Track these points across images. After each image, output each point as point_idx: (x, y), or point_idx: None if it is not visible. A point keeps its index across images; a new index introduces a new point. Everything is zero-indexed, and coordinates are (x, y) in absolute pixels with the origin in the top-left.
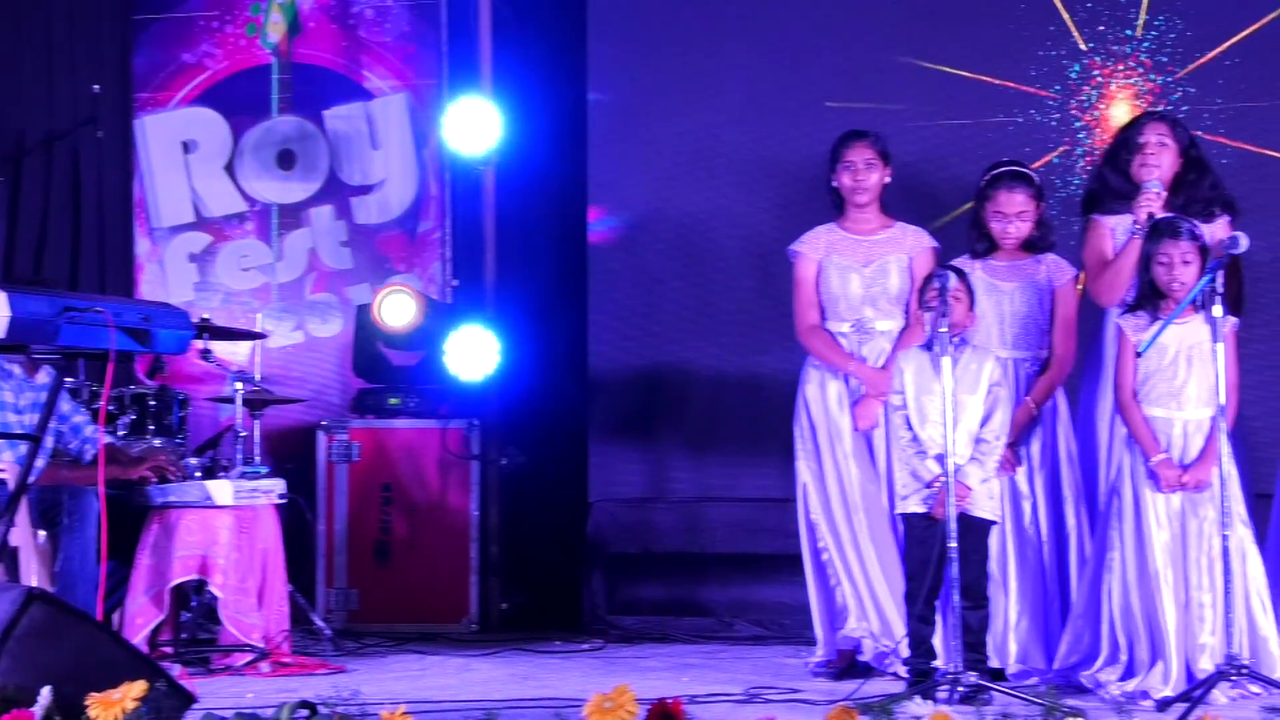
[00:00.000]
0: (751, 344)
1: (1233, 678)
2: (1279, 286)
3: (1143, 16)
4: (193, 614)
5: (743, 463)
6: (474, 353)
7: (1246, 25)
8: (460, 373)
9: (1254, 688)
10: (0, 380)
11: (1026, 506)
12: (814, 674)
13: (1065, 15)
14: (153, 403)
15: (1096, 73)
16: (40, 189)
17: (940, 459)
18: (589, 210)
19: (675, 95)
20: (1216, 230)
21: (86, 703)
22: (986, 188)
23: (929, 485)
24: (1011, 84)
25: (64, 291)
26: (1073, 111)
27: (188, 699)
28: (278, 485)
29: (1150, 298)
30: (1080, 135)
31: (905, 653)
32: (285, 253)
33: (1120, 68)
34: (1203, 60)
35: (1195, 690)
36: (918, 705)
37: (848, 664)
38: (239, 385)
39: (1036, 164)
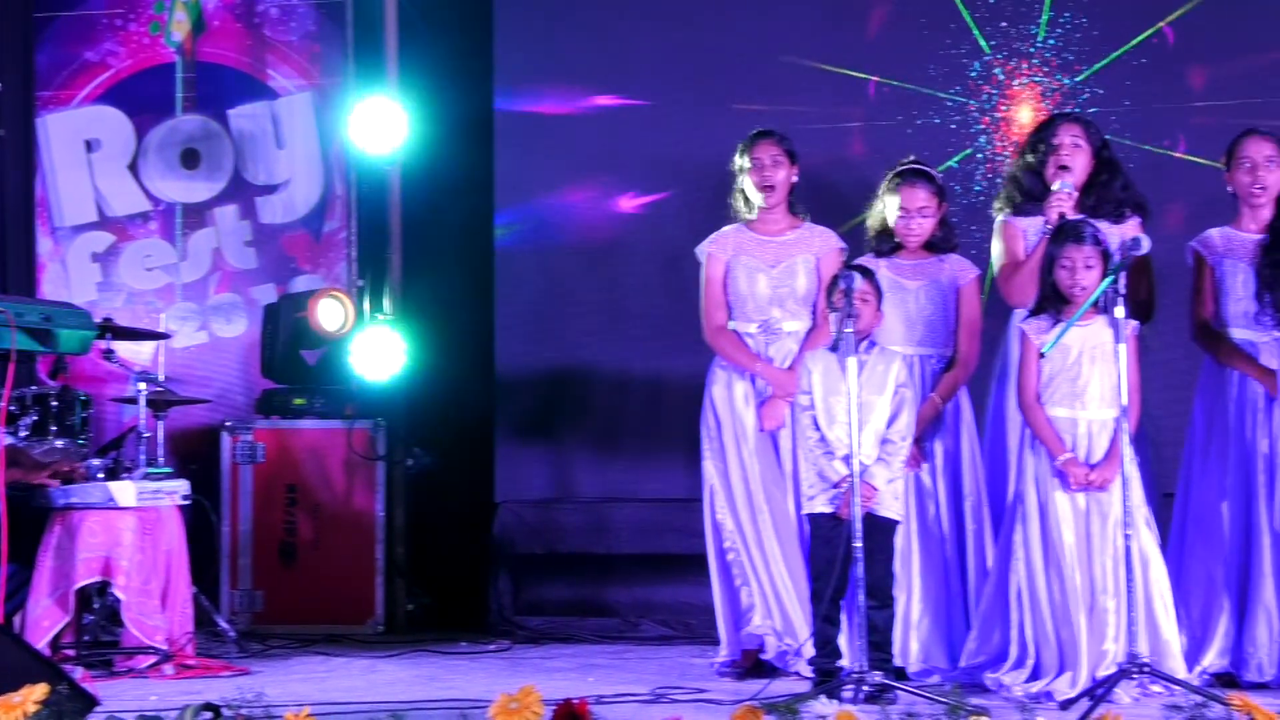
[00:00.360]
0: (658, 344)
1: (1135, 676)
2: (1180, 288)
3: (1046, 14)
4: (95, 616)
5: (649, 463)
6: (380, 353)
7: (1153, 23)
8: (366, 373)
9: (1156, 687)
10: None
11: (931, 505)
12: (719, 673)
13: (965, 13)
14: (55, 403)
15: (998, 70)
16: None
17: (847, 459)
18: (496, 210)
19: (582, 96)
20: (1127, 231)
21: None
22: (889, 183)
23: (836, 485)
24: (911, 85)
25: None
26: (973, 113)
27: (90, 702)
28: (181, 486)
29: (1053, 300)
30: (980, 140)
31: (810, 652)
32: (189, 252)
33: (1024, 66)
34: (1108, 60)
35: (1098, 688)
36: (823, 705)
37: (752, 663)
38: (142, 386)
39: (937, 168)
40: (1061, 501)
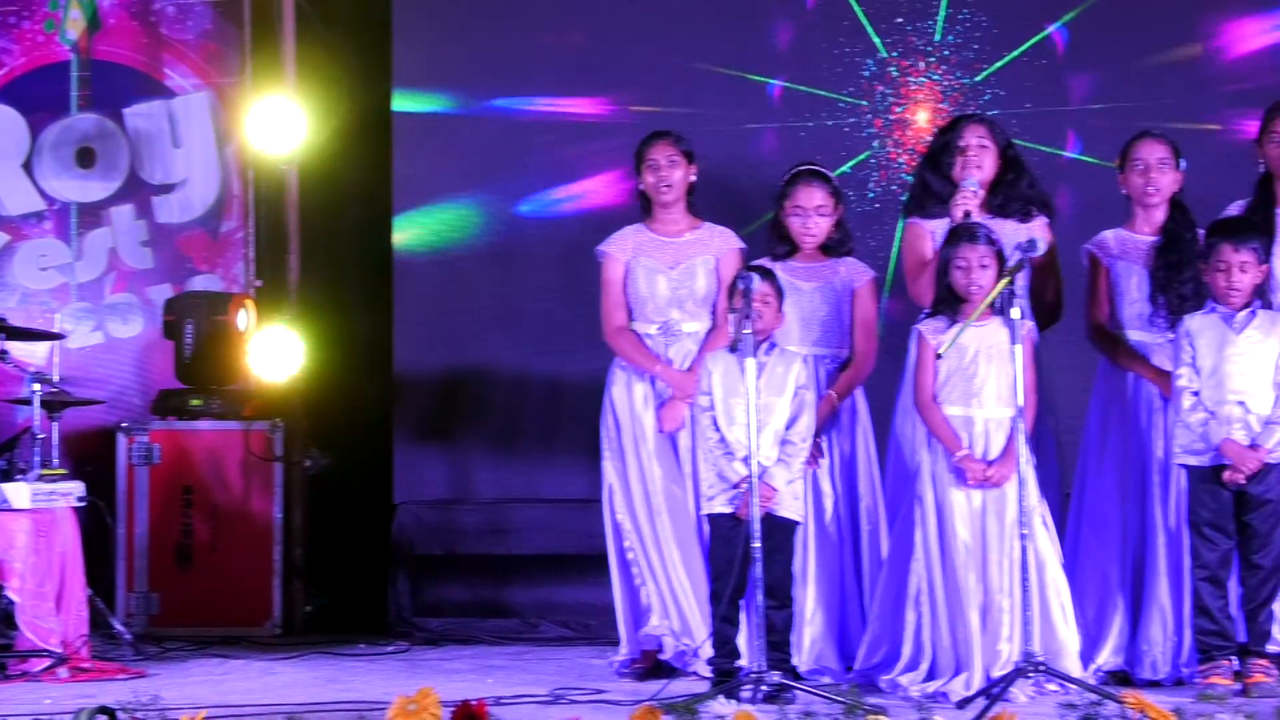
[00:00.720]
0: (557, 345)
1: (1030, 675)
2: (1075, 289)
3: (943, 11)
4: None
5: (548, 464)
6: (277, 354)
7: (1049, 23)
8: (264, 373)
9: (1051, 685)
10: None
11: (828, 504)
12: (619, 673)
13: (859, 12)
14: None
15: (893, 68)
16: None
17: (747, 460)
18: (394, 211)
19: (480, 95)
20: (1035, 230)
21: None
22: (785, 186)
23: (735, 486)
24: (807, 88)
25: None
26: (868, 115)
27: None
28: (76, 488)
29: (949, 301)
30: (875, 145)
31: (708, 653)
32: (84, 252)
33: (921, 64)
34: (1003, 61)
35: (994, 687)
36: (721, 705)
37: (652, 664)
38: (37, 386)
39: (834, 171)
40: (958, 501)
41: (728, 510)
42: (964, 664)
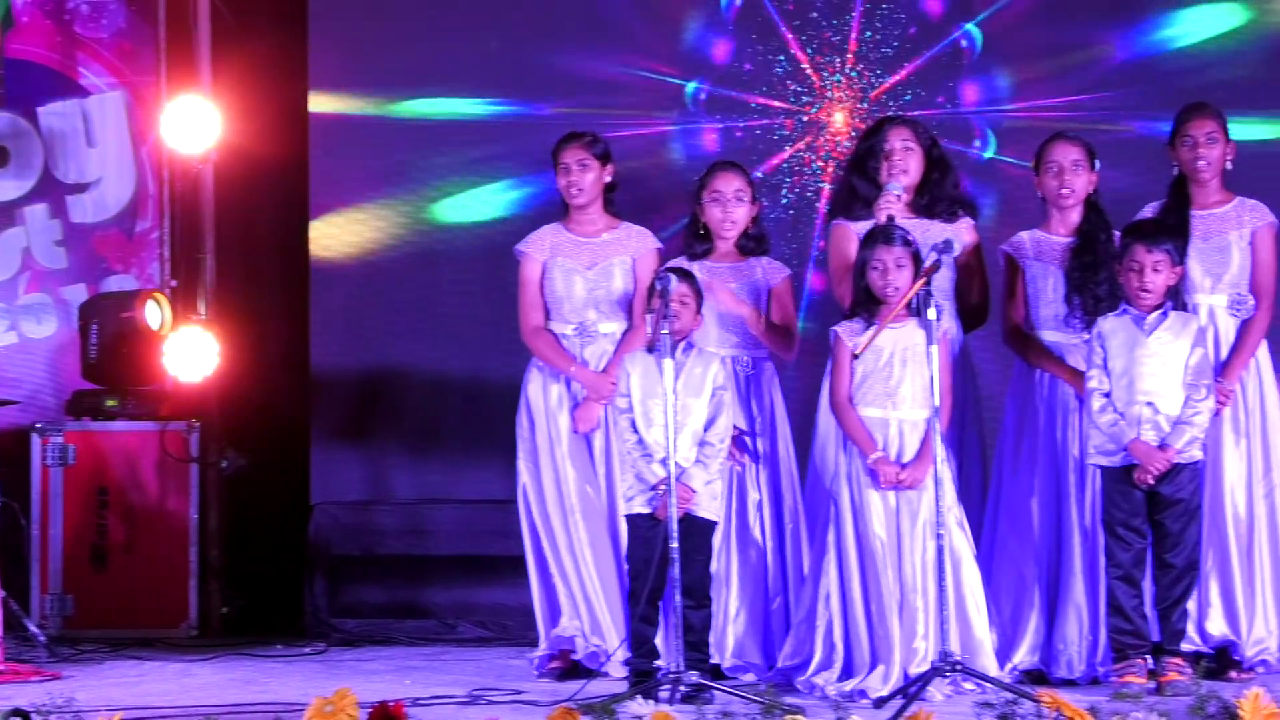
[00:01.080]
0: (477, 345)
1: (947, 674)
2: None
3: (858, 6)
4: None
5: (466, 464)
6: (193, 354)
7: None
8: (180, 374)
9: (968, 684)
10: None
11: (752, 504)
12: (538, 671)
13: (773, 12)
14: None
15: (805, 66)
16: None
17: (665, 461)
18: (311, 211)
19: (398, 96)
20: (959, 231)
21: None
22: (704, 178)
23: (654, 488)
24: (724, 90)
25: None
26: (780, 118)
27: None
28: None
29: (865, 303)
30: (788, 147)
31: (622, 654)
32: None
33: (836, 59)
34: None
35: (911, 686)
36: (639, 705)
37: (570, 664)
38: None
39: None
40: (874, 501)
41: (646, 511)
42: (880, 657)
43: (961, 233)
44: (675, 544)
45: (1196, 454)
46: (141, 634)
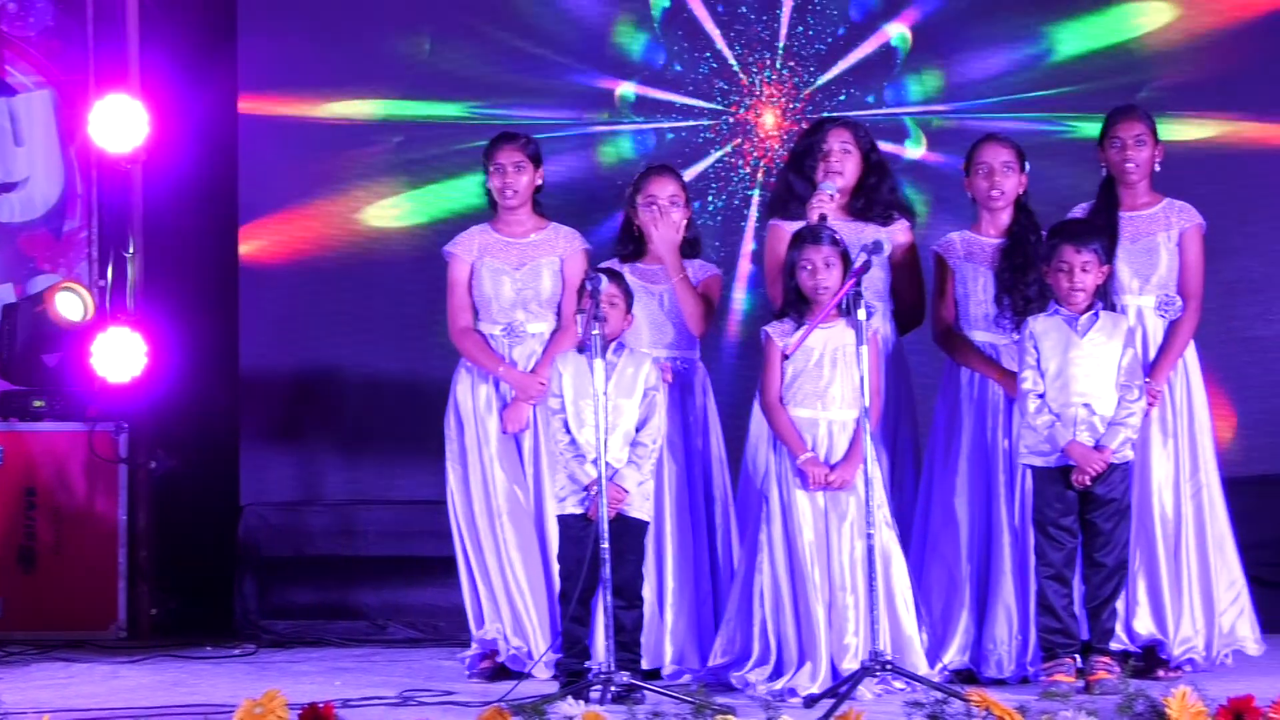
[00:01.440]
0: (408, 345)
1: (877, 673)
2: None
3: (788, 6)
4: None
5: (397, 465)
6: (121, 354)
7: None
8: (107, 374)
9: (898, 683)
10: None
11: (685, 503)
12: (469, 672)
13: (705, 10)
14: None
15: (734, 64)
16: None
17: (596, 463)
18: (240, 211)
19: (329, 94)
20: (894, 233)
21: None
22: (637, 182)
23: (586, 489)
24: (654, 91)
25: None
26: (706, 119)
27: None
28: None
29: (795, 304)
30: (715, 150)
31: (550, 657)
32: None
33: (765, 56)
34: (846, 64)
35: (841, 686)
36: (570, 705)
37: (499, 666)
38: None
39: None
40: (802, 500)
41: (579, 511)
42: (808, 654)
43: (896, 233)
44: (606, 544)
45: (1129, 454)
46: (70, 636)
